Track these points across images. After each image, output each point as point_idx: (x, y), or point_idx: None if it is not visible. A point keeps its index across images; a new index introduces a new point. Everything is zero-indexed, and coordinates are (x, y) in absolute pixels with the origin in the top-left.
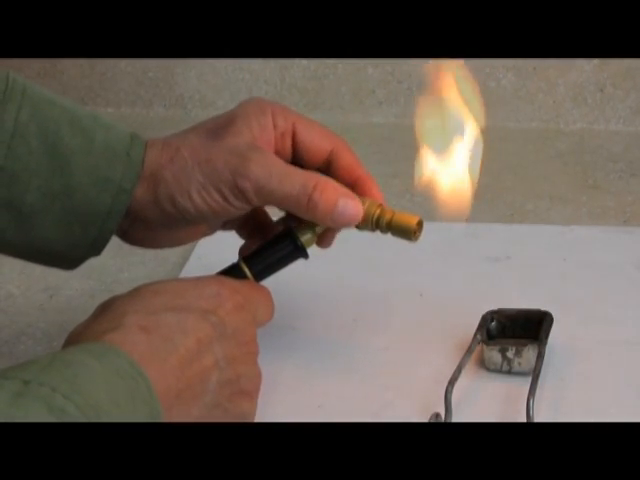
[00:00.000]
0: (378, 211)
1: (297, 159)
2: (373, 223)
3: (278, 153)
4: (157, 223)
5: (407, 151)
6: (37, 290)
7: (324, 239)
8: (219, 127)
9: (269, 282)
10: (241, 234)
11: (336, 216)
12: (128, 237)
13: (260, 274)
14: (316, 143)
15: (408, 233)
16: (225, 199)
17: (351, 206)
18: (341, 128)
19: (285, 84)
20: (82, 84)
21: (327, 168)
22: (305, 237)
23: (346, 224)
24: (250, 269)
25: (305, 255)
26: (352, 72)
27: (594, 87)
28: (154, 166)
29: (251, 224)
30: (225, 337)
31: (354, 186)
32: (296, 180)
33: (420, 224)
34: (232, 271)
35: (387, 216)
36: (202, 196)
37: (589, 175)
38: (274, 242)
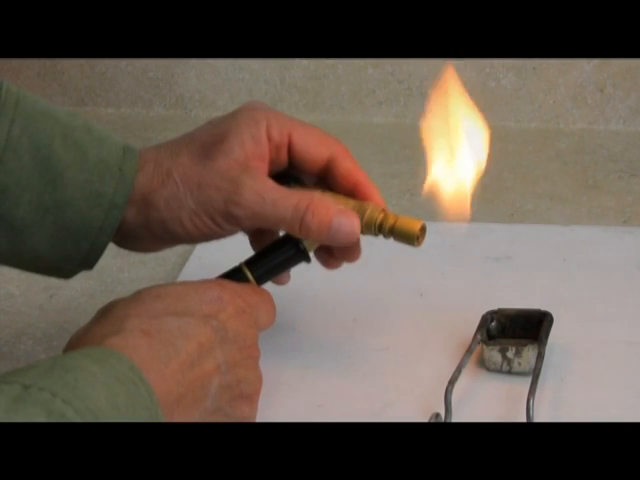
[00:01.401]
0: (381, 216)
1: (294, 168)
2: (376, 228)
3: (273, 164)
4: (147, 240)
5: (407, 151)
6: (37, 290)
7: (351, 252)
8: (212, 143)
9: (269, 284)
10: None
11: (332, 235)
12: (119, 245)
13: (262, 278)
14: (313, 152)
15: (411, 239)
16: (217, 224)
17: (346, 224)
18: (341, 128)
19: (285, 84)
20: (82, 84)
21: (326, 175)
22: (307, 241)
23: (343, 241)
24: (252, 273)
25: (307, 259)
26: (352, 72)
27: (594, 87)
28: (145, 189)
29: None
30: (226, 341)
31: (353, 192)
32: (289, 204)
33: (423, 229)
34: (234, 274)
35: (390, 221)
36: (193, 222)
37: (589, 175)
38: (276, 246)
